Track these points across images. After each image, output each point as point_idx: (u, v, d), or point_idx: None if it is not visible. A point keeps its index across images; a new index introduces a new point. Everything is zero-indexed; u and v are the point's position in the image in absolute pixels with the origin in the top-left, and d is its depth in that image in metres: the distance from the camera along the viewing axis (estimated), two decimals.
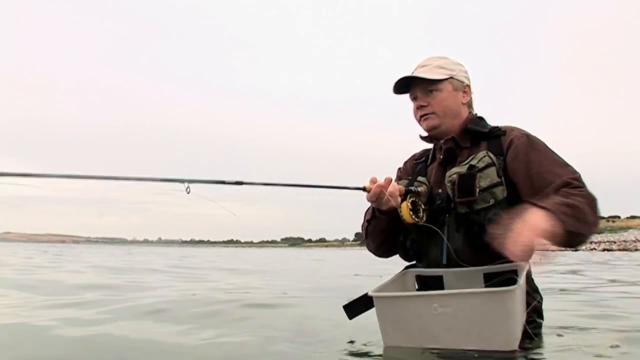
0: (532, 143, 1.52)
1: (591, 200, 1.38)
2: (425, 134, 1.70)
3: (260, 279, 5.24)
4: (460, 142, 1.62)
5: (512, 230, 1.24)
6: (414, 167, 1.80)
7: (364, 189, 1.48)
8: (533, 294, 1.56)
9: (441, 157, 1.65)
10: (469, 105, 1.69)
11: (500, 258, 1.31)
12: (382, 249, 1.74)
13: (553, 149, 1.54)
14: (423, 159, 1.78)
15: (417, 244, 1.61)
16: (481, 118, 1.68)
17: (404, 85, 1.65)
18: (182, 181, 1.23)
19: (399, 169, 1.89)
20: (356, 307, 1.56)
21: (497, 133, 1.59)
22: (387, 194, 1.46)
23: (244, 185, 1.36)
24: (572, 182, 1.40)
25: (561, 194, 1.37)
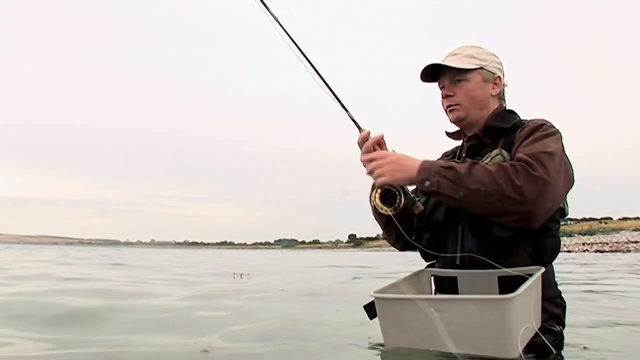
0: (539, 127, 1.40)
1: (516, 180, 1.22)
2: (451, 130, 1.65)
3: None
4: (484, 139, 1.53)
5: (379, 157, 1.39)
6: None
7: (359, 128, 1.48)
8: (554, 299, 1.46)
9: (464, 155, 1.58)
10: (500, 97, 1.59)
11: (517, 262, 1.34)
12: (399, 245, 1.69)
13: (563, 145, 1.39)
14: (452, 156, 1.70)
15: (433, 243, 1.52)
16: (510, 111, 1.57)
17: (433, 73, 1.56)
18: None
19: None
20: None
21: (518, 128, 1.47)
22: (371, 141, 1.44)
23: None
24: (528, 161, 1.25)
25: (489, 165, 1.29)
